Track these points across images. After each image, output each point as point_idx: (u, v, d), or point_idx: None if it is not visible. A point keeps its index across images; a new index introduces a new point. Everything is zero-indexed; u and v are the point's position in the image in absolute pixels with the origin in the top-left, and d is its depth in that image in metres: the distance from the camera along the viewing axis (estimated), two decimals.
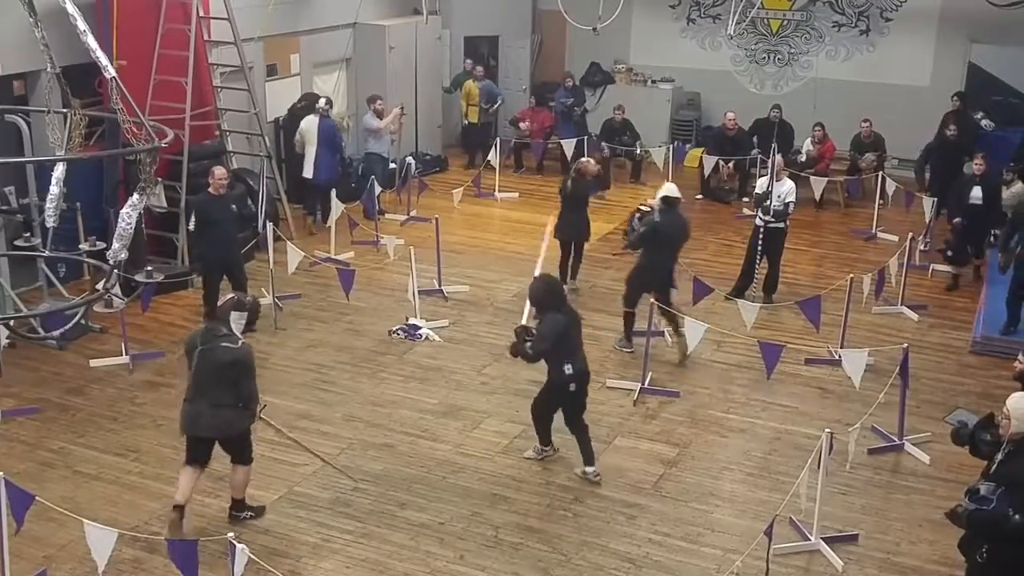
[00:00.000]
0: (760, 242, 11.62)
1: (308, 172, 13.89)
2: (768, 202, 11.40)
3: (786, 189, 11.59)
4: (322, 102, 13.97)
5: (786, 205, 11.53)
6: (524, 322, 8.22)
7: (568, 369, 7.89)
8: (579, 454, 8.13)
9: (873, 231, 14.45)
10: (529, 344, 7.93)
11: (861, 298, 10.95)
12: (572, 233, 11.86)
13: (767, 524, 6.41)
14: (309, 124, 13.82)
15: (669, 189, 10.55)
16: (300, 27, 15.22)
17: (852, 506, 7.81)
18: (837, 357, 9.86)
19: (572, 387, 7.97)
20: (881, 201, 14.66)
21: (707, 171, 15.84)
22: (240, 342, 7.19)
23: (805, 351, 10.30)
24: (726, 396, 9.59)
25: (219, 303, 7.56)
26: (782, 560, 7.02)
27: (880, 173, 14.87)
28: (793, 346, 9.93)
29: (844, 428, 8.09)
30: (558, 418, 8.17)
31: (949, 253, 12.34)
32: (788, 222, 11.72)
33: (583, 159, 12.62)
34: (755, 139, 15.86)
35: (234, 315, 7.21)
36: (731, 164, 15.78)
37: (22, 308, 10.12)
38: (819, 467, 7.09)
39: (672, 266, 10.47)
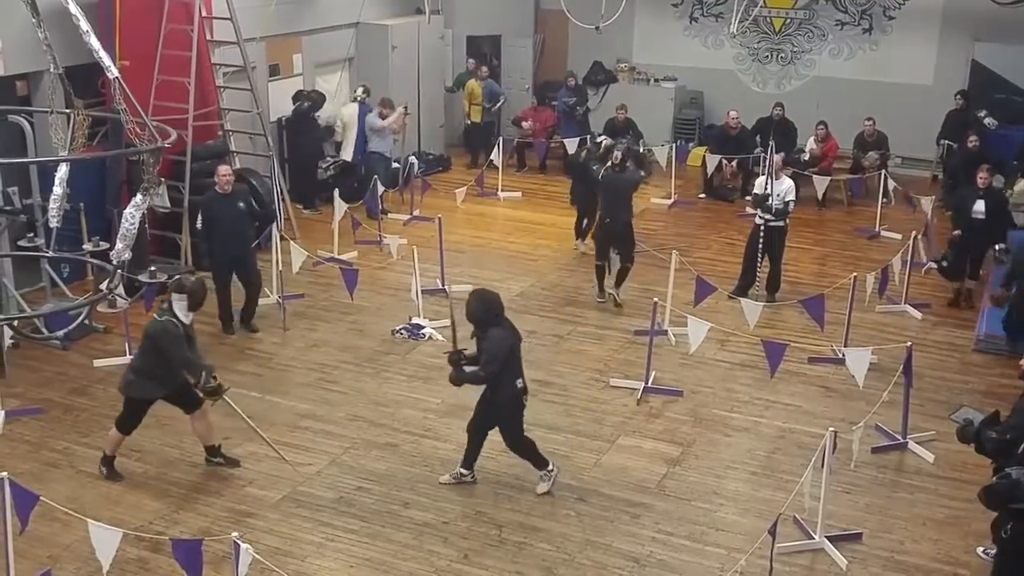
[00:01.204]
0: (760, 241, 11.61)
1: (348, 155, 15.13)
2: (769, 201, 11.39)
3: (785, 187, 11.58)
4: (359, 91, 15.26)
5: (786, 204, 11.52)
6: (454, 347, 7.78)
7: (519, 383, 7.68)
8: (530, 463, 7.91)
9: (876, 229, 14.43)
10: (476, 368, 7.57)
11: (864, 296, 10.94)
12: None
13: (771, 523, 6.41)
14: (351, 111, 15.16)
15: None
16: (302, 27, 15.22)
17: (856, 505, 7.81)
18: (841, 356, 9.86)
19: (525, 400, 7.75)
20: (884, 200, 14.65)
21: (710, 170, 15.83)
22: (163, 318, 7.60)
23: (809, 350, 10.30)
24: (730, 395, 9.59)
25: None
26: (786, 559, 7.02)
27: (883, 172, 14.85)
28: (797, 345, 9.93)
29: (848, 427, 8.08)
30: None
31: (944, 264, 11.94)
32: (788, 220, 11.70)
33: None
34: (758, 138, 15.84)
35: (174, 296, 7.62)
36: (734, 163, 15.76)
37: (26, 308, 10.12)
38: (823, 466, 7.08)
39: (626, 219, 11.53)
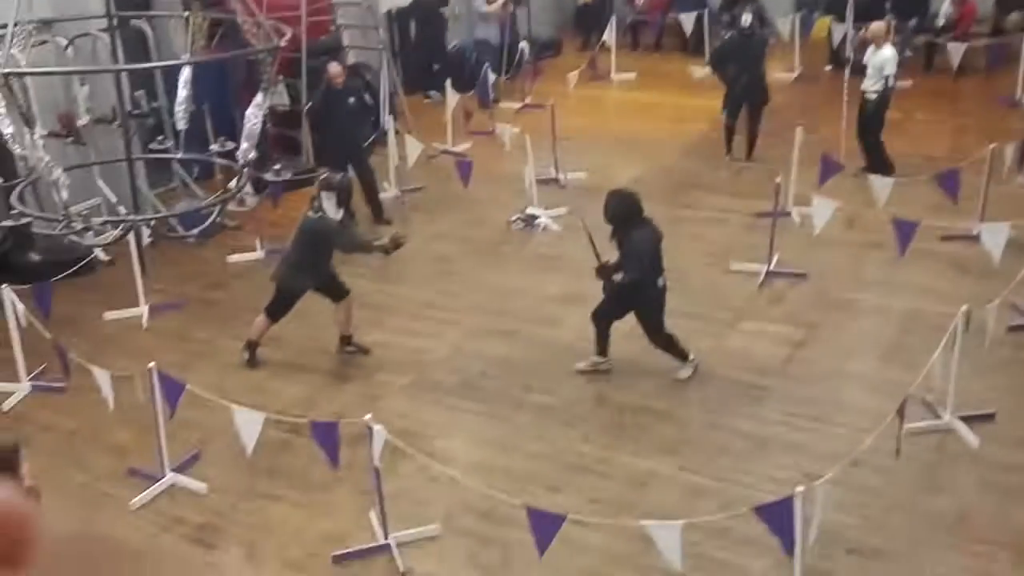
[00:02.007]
0: (859, 113, 11.22)
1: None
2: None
3: (880, 59, 11.03)
4: None
5: (885, 78, 11.00)
6: (599, 261, 7.73)
7: (661, 282, 7.66)
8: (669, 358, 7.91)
9: (1018, 97, 13.66)
10: (621, 275, 7.55)
11: (1003, 170, 10.47)
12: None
13: (899, 403, 6.34)
14: None
15: None
16: None
17: (989, 385, 7.61)
18: (976, 232, 9.51)
19: (664, 298, 7.73)
20: None
21: (836, 41, 15.19)
22: (318, 215, 7.90)
23: (942, 227, 9.96)
24: (857, 276, 9.39)
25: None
26: (914, 439, 6.93)
27: None
28: (929, 222, 9.61)
29: (982, 305, 7.83)
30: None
31: None
32: (885, 94, 11.12)
33: None
34: (887, 3, 15.06)
35: (323, 194, 7.88)
36: (863, 31, 15.08)
37: (161, 209, 10.54)
38: (954, 346, 6.92)
39: (759, 75, 11.97)
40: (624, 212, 7.57)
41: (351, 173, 10.81)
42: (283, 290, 8.21)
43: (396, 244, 8.13)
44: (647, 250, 7.50)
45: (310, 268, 8.10)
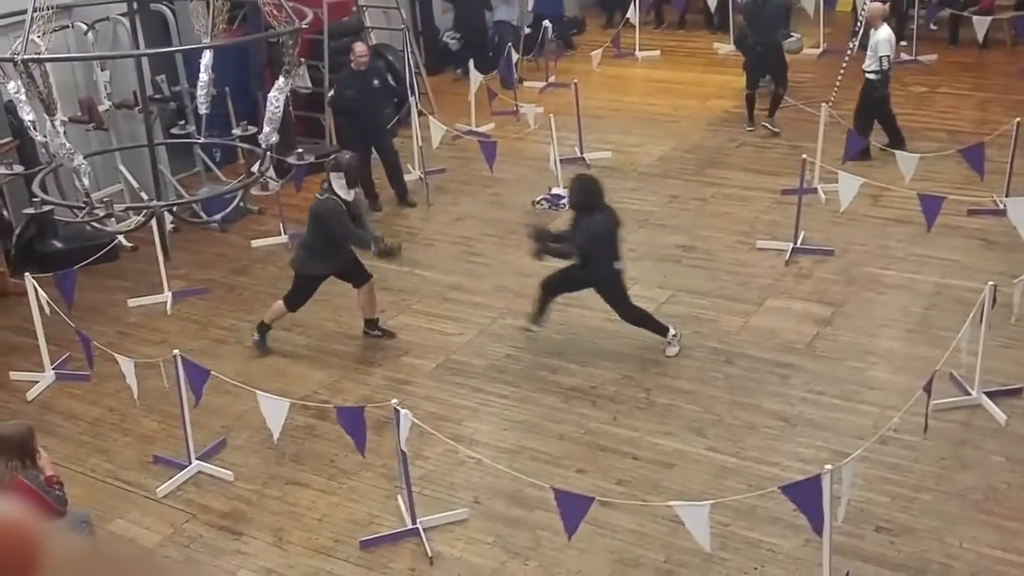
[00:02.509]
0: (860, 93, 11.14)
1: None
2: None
3: (876, 39, 10.88)
4: None
5: (879, 59, 10.81)
6: (546, 226, 7.83)
7: (618, 266, 7.68)
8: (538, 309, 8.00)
9: None
10: (567, 245, 7.63)
11: None
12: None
13: (926, 380, 6.28)
14: None
15: None
16: None
17: (1017, 360, 7.54)
18: (1002, 206, 9.39)
19: (622, 282, 7.78)
20: None
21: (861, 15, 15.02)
22: (324, 196, 7.85)
23: (968, 201, 9.85)
24: (883, 252, 9.30)
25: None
26: (941, 415, 6.88)
27: None
28: (955, 197, 9.50)
29: (1009, 280, 7.76)
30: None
31: None
32: (882, 77, 10.90)
33: None
34: None
35: (332, 175, 7.83)
36: (887, 5, 14.90)
37: (183, 194, 10.57)
38: (982, 321, 6.85)
39: (776, 42, 12.05)
40: (584, 197, 7.67)
41: (375, 155, 10.84)
42: (301, 276, 8.16)
43: (392, 254, 8.09)
44: (600, 232, 7.54)
45: (326, 252, 8.00)
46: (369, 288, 8.28)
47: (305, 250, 8.13)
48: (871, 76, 10.93)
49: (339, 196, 7.83)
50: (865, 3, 14.64)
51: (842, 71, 12.24)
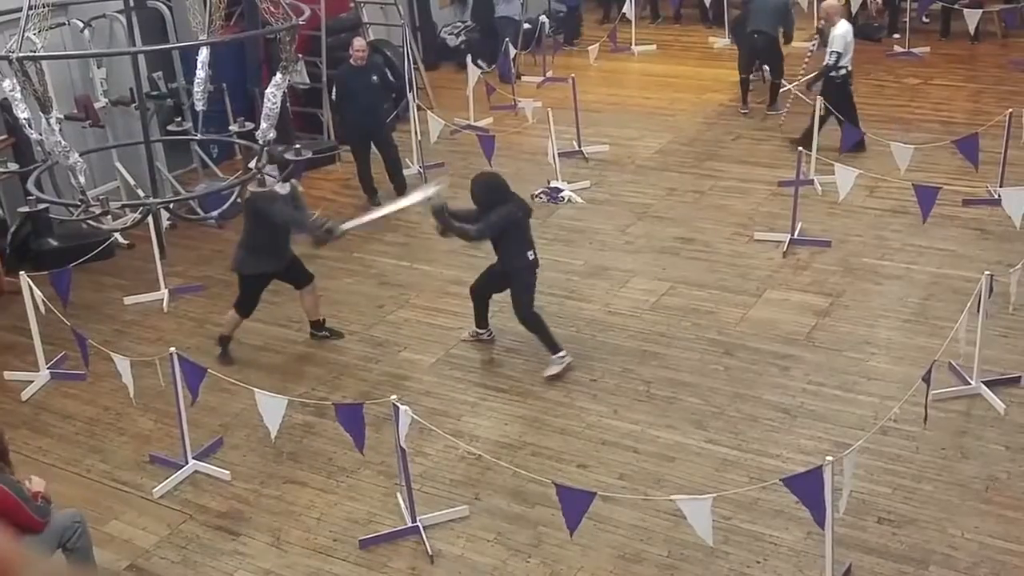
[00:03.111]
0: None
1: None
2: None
3: (831, 36, 10.95)
4: None
5: (832, 54, 10.86)
6: (437, 199, 7.49)
7: (531, 255, 7.60)
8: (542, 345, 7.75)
9: None
10: (465, 225, 7.49)
11: (1021, 133, 10.33)
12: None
13: (925, 370, 6.28)
14: None
15: None
16: None
17: (1014, 348, 7.55)
18: (997, 196, 9.40)
19: (536, 272, 7.69)
20: None
21: (854, 8, 15.00)
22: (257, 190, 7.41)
23: (963, 192, 9.86)
24: (880, 242, 9.31)
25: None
26: (941, 405, 6.89)
27: None
28: (950, 187, 9.51)
29: (1005, 269, 7.76)
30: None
31: None
32: (841, 74, 10.91)
33: None
34: None
35: (267, 168, 7.36)
36: (842, 2, 14.90)
37: (180, 191, 10.54)
38: (979, 310, 6.85)
39: (774, 34, 12.22)
40: (485, 195, 7.56)
41: (373, 149, 10.82)
42: (244, 277, 7.94)
43: (328, 233, 7.63)
44: (503, 215, 7.43)
45: (265, 249, 7.79)
46: (312, 289, 8.12)
47: (244, 249, 7.90)
48: (833, 74, 10.93)
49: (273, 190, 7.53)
50: None
51: (803, 68, 12.31)
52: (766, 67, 12.79)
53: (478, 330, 8.16)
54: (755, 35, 12.29)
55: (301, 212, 7.89)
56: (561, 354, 7.66)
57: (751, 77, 12.82)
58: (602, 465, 6.68)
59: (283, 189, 7.62)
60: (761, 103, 12.52)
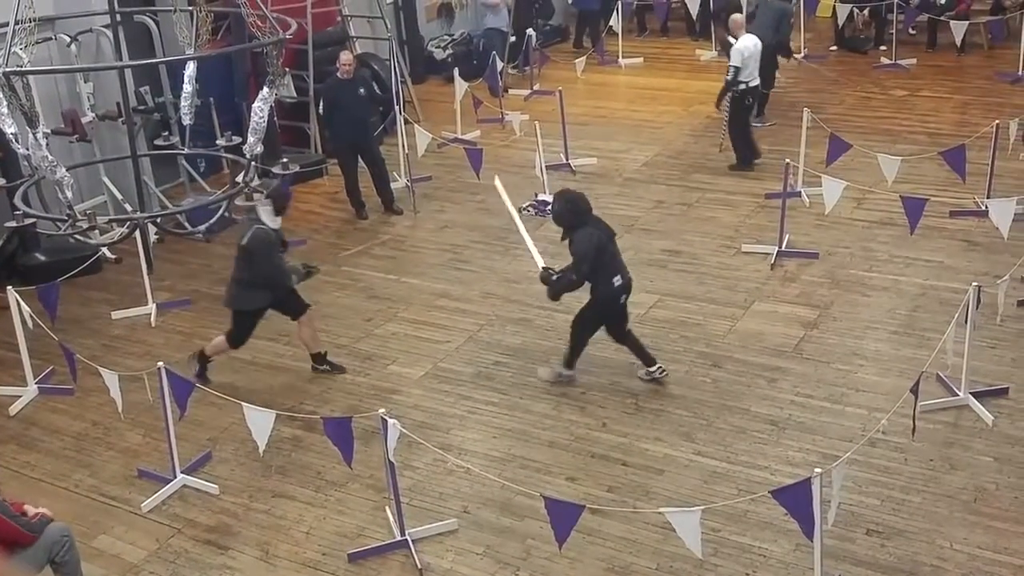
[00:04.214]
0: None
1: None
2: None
3: (732, 51, 11.12)
4: None
5: (730, 68, 11.03)
6: (542, 264, 7.57)
7: (618, 281, 7.37)
8: (636, 359, 7.65)
9: (1020, 73, 13.64)
10: (563, 276, 7.37)
11: (1008, 145, 10.40)
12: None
13: (913, 381, 6.29)
14: None
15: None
16: None
17: (1002, 360, 7.59)
18: (984, 208, 9.45)
19: (623, 299, 7.51)
20: None
21: (841, 20, 15.11)
22: (252, 227, 7.47)
23: (950, 203, 9.91)
24: (868, 254, 9.34)
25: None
26: (929, 417, 6.91)
27: None
28: (937, 199, 9.55)
29: (992, 280, 7.80)
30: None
31: None
32: (739, 91, 11.06)
33: None
34: None
35: (260, 203, 7.30)
36: (866, 11, 15.00)
37: (168, 205, 10.52)
38: (967, 321, 6.88)
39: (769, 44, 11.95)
40: (568, 213, 7.36)
41: (361, 163, 10.83)
42: (238, 313, 7.79)
43: (308, 275, 7.79)
44: (590, 247, 7.22)
45: (259, 285, 7.64)
46: (308, 320, 7.99)
47: (238, 286, 7.74)
48: (735, 87, 11.09)
49: (266, 224, 7.51)
50: (854, 10, 14.84)
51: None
52: None
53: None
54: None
55: (286, 246, 7.88)
56: (658, 366, 7.59)
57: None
58: (591, 478, 6.67)
59: (275, 224, 7.57)
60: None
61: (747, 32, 12.08)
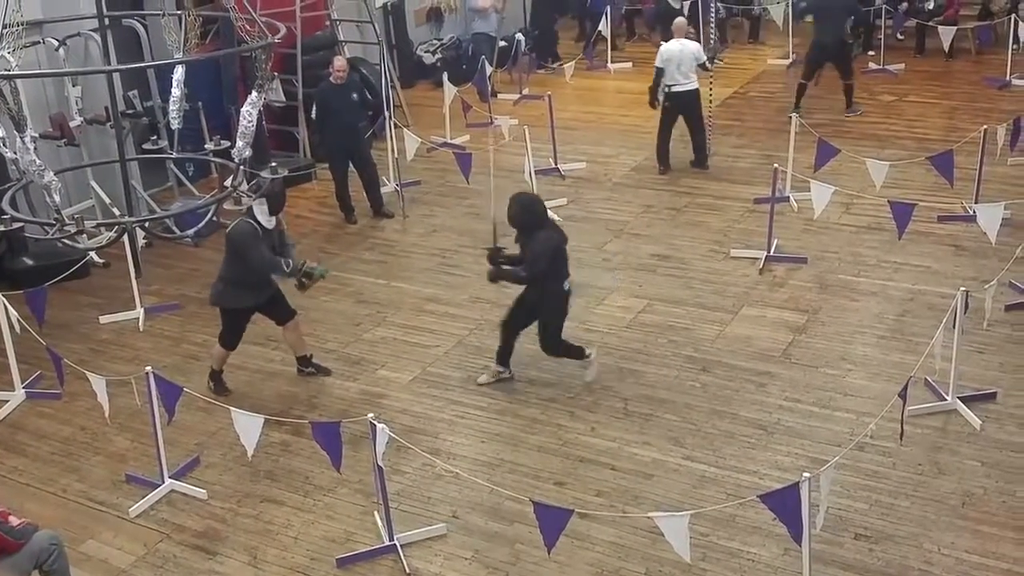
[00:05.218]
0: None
1: None
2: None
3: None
4: None
5: (655, 68, 11.35)
6: (494, 243, 7.67)
7: (567, 285, 7.48)
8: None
9: (1007, 79, 13.71)
10: (515, 270, 7.43)
11: (996, 150, 10.45)
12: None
13: (901, 386, 6.31)
14: None
15: None
16: None
17: (990, 364, 7.62)
18: (972, 212, 9.50)
19: (569, 304, 7.61)
20: (1015, 46, 13.86)
21: None
22: (237, 220, 7.44)
23: (938, 208, 9.95)
24: (856, 259, 9.37)
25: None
26: (917, 421, 6.93)
27: (1013, 16, 13.99)
28: (925, 204, 9.60)
29: (980, 285, 7.84)
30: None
31: None
32: (665, 92, 11.36)
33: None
34: None
35: (255, 201, 7.29)
36: (852, 16, 15.05)
37: (156, 209, 10.50)
38: (954, 326, 6.90)
39: (841, 37, 12.72)
40: (524, 215, 7.39)
41: (352, 167, 10.82)
42: (225, 311, 7.71)
43: (310, 278, 7.64)
44: (547, 248, 7.28)
45: (245, 282, 7.55)
46: (295, 325, 7.94)
47: (223, 283, 7.64)
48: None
49: (257, 221, 7.43)
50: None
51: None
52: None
53: (499, 368, 7.83)
54: (825, 41, 12.72)
55: (286, 249, 7.74)
56: (587, 353, 7.70)
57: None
58: (579, 482, 6.67)
59: (268, 223, 7.50)
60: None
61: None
